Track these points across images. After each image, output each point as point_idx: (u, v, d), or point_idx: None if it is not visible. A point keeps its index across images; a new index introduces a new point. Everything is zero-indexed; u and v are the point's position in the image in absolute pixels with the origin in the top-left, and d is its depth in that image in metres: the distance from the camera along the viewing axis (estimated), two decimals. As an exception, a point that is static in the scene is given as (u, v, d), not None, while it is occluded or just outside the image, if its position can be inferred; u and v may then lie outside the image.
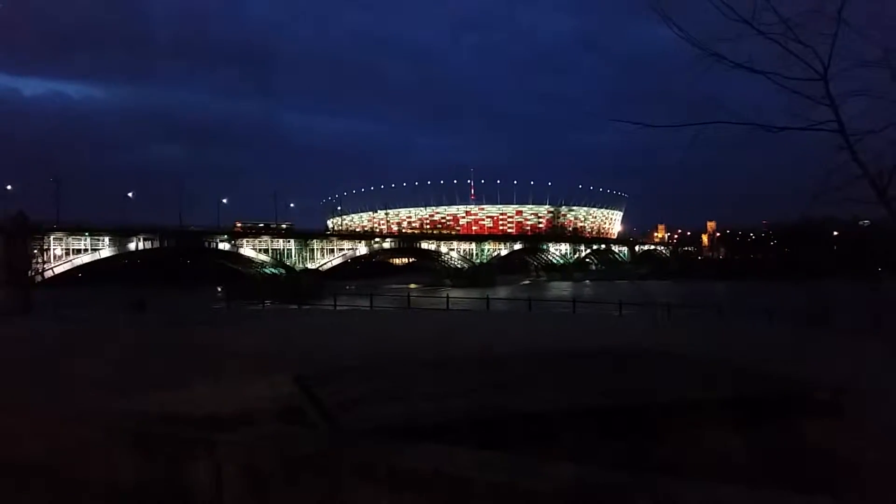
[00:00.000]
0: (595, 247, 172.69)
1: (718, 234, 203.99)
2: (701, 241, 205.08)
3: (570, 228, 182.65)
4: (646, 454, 5.04)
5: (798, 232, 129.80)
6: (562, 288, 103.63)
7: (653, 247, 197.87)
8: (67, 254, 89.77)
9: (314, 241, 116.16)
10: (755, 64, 8.77)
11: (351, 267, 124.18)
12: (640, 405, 5.92)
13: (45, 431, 4.87)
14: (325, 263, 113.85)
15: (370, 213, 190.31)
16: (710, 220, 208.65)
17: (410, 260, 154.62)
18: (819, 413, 5.95)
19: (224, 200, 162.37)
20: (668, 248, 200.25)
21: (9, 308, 60.55)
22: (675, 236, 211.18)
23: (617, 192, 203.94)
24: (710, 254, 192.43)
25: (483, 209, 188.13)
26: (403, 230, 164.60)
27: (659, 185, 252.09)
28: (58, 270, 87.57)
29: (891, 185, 8.52)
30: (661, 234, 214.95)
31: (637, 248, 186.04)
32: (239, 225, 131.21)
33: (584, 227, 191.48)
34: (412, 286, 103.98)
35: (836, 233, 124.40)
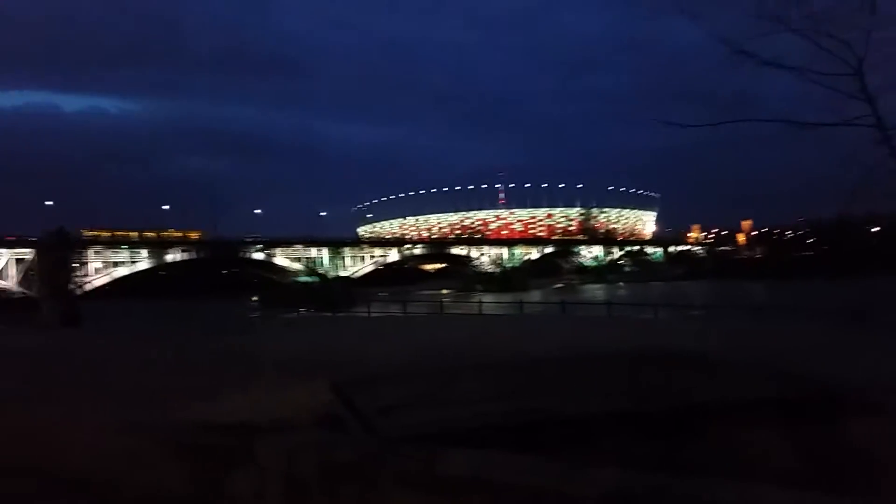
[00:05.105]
0: (628, 248, 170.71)
1: (755, 233, 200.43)
2: (737, 241, 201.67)
3: (602, 230, 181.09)
4: (683, 457, 4.99)
5: (836, 229, 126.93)
6: (595, 290, 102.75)
7: (687, 247, 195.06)
8: (106, 266, 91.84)
9: (346, 248, 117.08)
10: (788, 60, 8.64)
11: (383, 274, 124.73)
12: (677, 407, 5.85)
13: (93, 443, 4.99)
14: (357, 271, 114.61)
15: (401, 219, 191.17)
16: (746, 219, 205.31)
17: (441, 265, 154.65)
18: (862, 415, 5.81)
19: (257, 211, 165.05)
20: (703, 247, 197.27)
21: (52, 321, 62.09)
22: (711, 236, 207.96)
23: (650, 193, 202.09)
24: (747, 253, 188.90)
25: (513, 213, 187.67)
26: (434, 236, 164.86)
27: (693, 184, 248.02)
28: (97, 283, 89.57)
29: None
30: (695, 233, 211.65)
31: (671, 248, 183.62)
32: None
33: (617, 228, 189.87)
34: (444, 291, 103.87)
35: (876, 229, 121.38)
